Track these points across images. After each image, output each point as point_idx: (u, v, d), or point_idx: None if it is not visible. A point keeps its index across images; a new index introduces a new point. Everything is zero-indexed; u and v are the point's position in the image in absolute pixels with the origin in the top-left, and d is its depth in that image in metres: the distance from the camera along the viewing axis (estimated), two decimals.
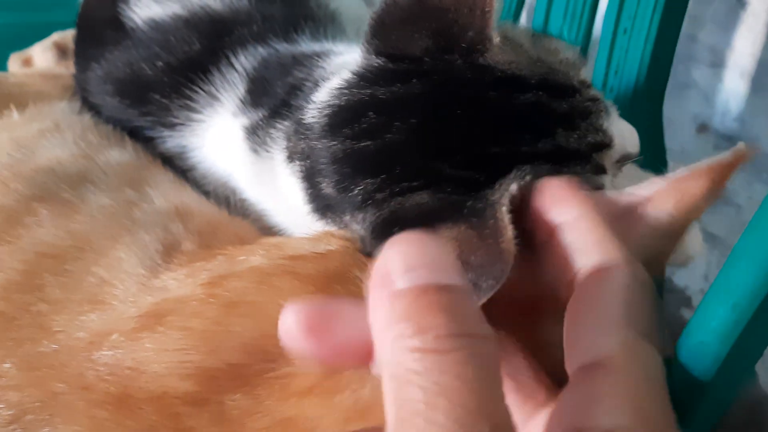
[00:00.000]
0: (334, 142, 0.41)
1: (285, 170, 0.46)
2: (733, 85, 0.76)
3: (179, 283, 0.41)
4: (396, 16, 0.42)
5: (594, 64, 0.59)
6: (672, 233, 0.32)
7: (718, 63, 0.77)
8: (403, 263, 0.21)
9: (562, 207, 0.29)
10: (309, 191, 0.43)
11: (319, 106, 0.43)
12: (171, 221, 0.47)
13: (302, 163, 0.44)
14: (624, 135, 0.44)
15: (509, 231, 0.30)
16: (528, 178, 0.32)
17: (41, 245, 0.44)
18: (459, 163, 0.38)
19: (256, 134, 0.48)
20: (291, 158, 0.45)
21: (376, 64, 0.42)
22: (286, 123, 0.46)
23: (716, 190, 0.32)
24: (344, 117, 0.41)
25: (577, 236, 0.28)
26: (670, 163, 0.87)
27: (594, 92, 0.43)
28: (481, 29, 0.40)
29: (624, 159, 0.45)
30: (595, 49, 0.60)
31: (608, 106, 0.44)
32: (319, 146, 0.42)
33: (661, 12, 0.53)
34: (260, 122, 0.48)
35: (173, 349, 0.37)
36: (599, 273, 0.26)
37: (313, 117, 0.43)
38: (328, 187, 0.42)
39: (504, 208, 0.30)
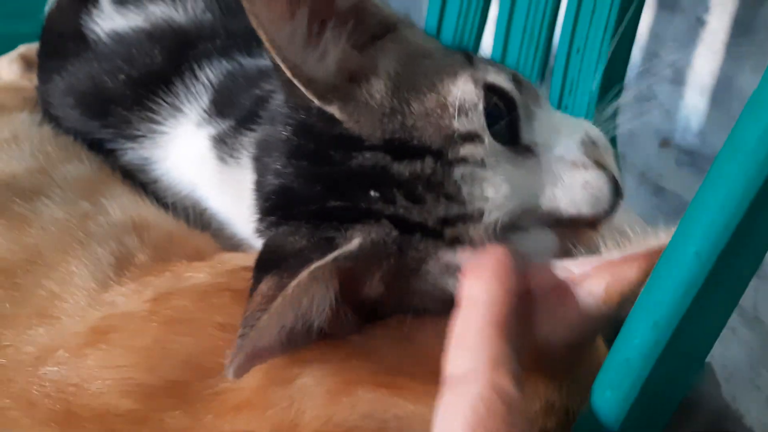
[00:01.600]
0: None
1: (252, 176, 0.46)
2: (694, 102, 0.77)
3: (127, 298, 0.41)
4: None
5: (551, 82, 0.60)
6: (600, 314, 0.32)
7: (678, 80, 0.78)
8: None
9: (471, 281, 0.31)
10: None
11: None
12: (126, 234, 0.47)
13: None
14: (557, 197, 0.37)
15: (289, 292, 0.32)
16: (352, 249, 0.33)
17: None
18: (316, 212, 0.37)
19: (224, 143, 0.48)
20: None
21: None
22: (255, 132, 0.46)
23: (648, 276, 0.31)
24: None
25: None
26: (633, 176, 0.89)
27: (470, 151, 0.36)
28: None
29: (565, 222, 0.38)
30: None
31: (497, 161, 0.36)
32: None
33: (612, 32, 0.53)
34: (228, 131, 0.48)
35: (114, 366, 0.37)
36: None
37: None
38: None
39: (305, 273, 0.32)
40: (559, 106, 0.58)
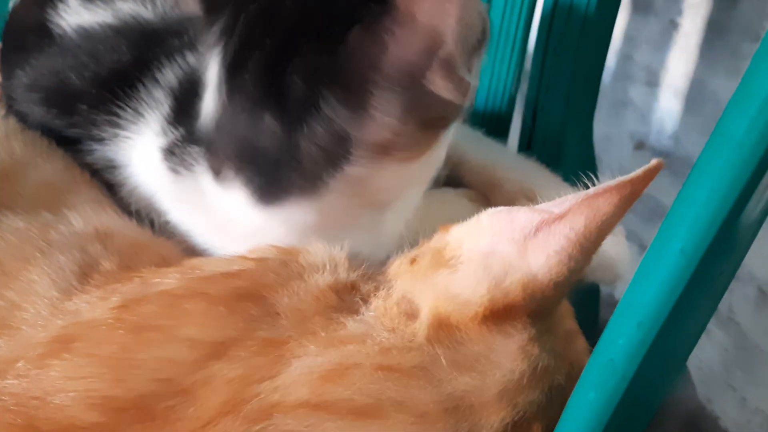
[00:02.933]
0: None
1: (215, 186, 0.45)
2: (668, 104, 0.77)
3: (91, 306, 0.39)
4: None
5: (528, 82, 0.60)
6: (585, 247, 0.33)
7: (653, 82, 0.78)
8: None
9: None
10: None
11: None
12: (90, 243, 0.45)
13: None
14: None
15: None
16: None
17: None
18: None
19: (173, 154, 0.47)
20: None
21: None
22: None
23: (627, 205, 0.33)
24: None
25: None
26: (607, 178, 0.89)
27: None
28: None
29: None
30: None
31: None
32: None
33: (589, 32, 0.53)
34: (178, 141, 0.47)
35: (79, 377, 0.35)
36: None
37: None
38: None
39: None
40: (535, 106, 0.58)
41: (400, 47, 0.38)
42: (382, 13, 0.38)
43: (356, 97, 0.40)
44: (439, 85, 0.39)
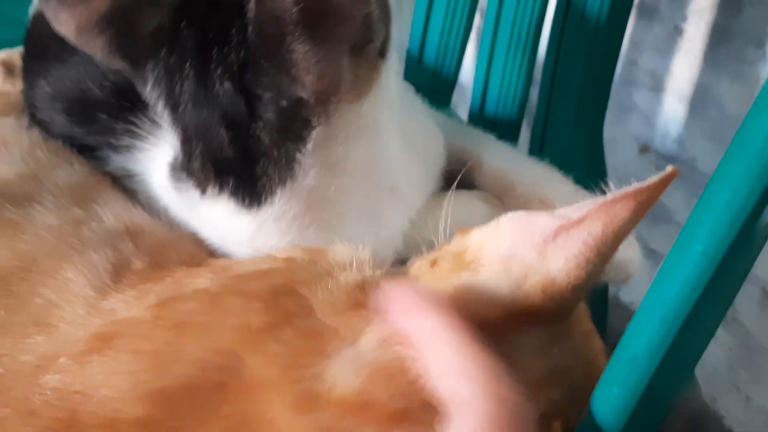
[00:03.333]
0: None
1: (205, 203, 0.47)
2: (672, 109, 0.79)
3: (127, 305, 0.41)
4: None
5: (539, 85, 0.61)
6: (602, 252, 0.34)
7: (657, 87, 0.80)
8: None
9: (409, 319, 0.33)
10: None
11: None
12: (121, 240, 0.47)
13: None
14: None
15: None
16: None
17: None
18: None
19: (175, 170, 0.48)
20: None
21: None
22: None
23: (643, 211, 0.34)
24: None
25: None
26: (613, 181, 0.90)
27: None
28: None
29: None
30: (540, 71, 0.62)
31: None
32: None
33: (600, 38, 0.55)
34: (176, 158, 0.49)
35: (123, 372, 0.36)
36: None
37: None
38: None
39: None
40: (546, 114, 0.59)
41: None
42: None
43: (281, 62, 0.41)
44: (339, 2, 0.40)
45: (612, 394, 0.31)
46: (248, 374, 0.35)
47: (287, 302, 0.38)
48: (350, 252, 0.43)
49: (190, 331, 0.37)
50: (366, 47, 0.43)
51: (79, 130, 0.55)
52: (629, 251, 0.52)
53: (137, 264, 0.45)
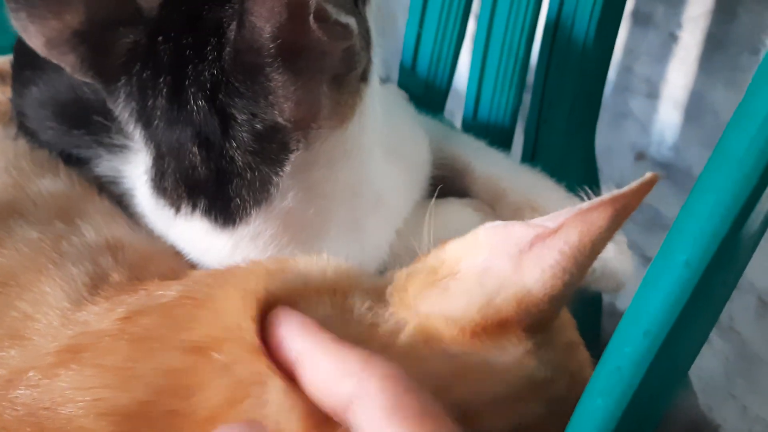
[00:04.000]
0: None
1: (179, 221, 0.46)
2: (668, 116, 0.78)
3: (99, 317, 0.40)
4: None
5: (530, 97, 0.60)
6: (579, 261, 0.33)
7: (653, 94, 0.79)
8: None
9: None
10: None
11: None
12: (101, 254, 0.46)
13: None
14: None
15: None
16: None
17: None
18: None
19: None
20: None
21: None
22: None
23: (622, 218, 0.33)
24: None
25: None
26: (609, 189, 0.89)
27: None
28: None
29: None
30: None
31: None
32: None
33: (591, 47, 0.54)
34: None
35: (87, 387, 0.35)
36: None
37: None
38: None
39: None
40: (538, 121, 0.59)
41: (267, 20, 0.37)
42: (242, 2, 0.38)
43: (258, 88, 0.40)
44: (317, 36, 0.38)
45: (596, 406, 0.31)
46: (196, 403, 0.33)
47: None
48: (322, 261, 0.42)
49: (147, 347, 0.36)
50: (350, 78, 0.43)
51: (70, 135, 0.55)
52: (622, 260, 0.51)
53: (115, 277, 0.44)
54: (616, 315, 0.92)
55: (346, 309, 0.37)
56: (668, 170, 0.78)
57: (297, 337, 0.33)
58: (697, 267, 0.27)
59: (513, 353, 0.35)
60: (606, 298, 0.78)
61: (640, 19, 0.79)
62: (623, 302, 0.92)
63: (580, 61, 0.55)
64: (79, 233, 0.47)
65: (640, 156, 0.83)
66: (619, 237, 0.51)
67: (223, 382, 0.33)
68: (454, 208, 0.55)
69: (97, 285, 0.43)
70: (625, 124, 0.83)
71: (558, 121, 0.57)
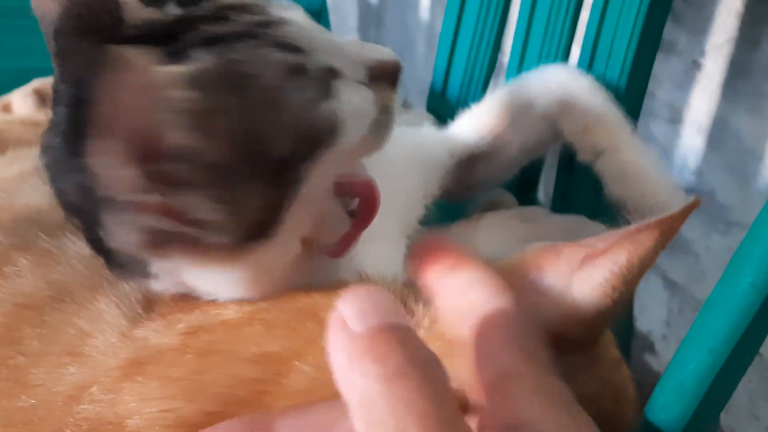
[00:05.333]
0: None
1: None
2: (691, 141, 0.79)
3: (158, 333, 0.41)
4: None
5: None
6: (628, 280, 0.34)
7: (675, 119, 0.81)
8: (357, 311, 0.25)
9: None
10: None
11: None
12: None
13: None
14: None
15: None
16: None
17: (20, 296, 0.43)
18: None
19: None
20: None
21: None
22: None
23: (667, 240, 0.34)
24: None
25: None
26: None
27: None
28: None
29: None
30: None
31: None
32: None
33: (628, 71, 0.56)
34: None
35: (152, 398, 0.36)
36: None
37: None
38: None
39: None
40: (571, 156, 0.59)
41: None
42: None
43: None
44: None
45: (658, 421, 0.31)
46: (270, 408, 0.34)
47: (310, 326, 0.38)
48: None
49: (211, 361, 0.37)
50: None
51: None
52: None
53: (168, 295, 0.45)
54: (638, 336, 0.93)
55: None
56: (691, 194, 0.79)
57: None
58: (762, 288, 0.28)
59: (562, 368, 0.35)
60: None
61: (664, 46, 0.80)
62: (643, 324, 0.93)
63: (617, 81, 0.56)
64: None
65: None
66: None
67: (301, 385, 0.34)
68: (500, 221, 0.56)
69: (151, 303, 0.44)
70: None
71: None
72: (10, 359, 0.40)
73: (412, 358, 0.24)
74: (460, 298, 0.31)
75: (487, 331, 0.29)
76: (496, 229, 0.55)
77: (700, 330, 0.30)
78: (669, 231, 0.34)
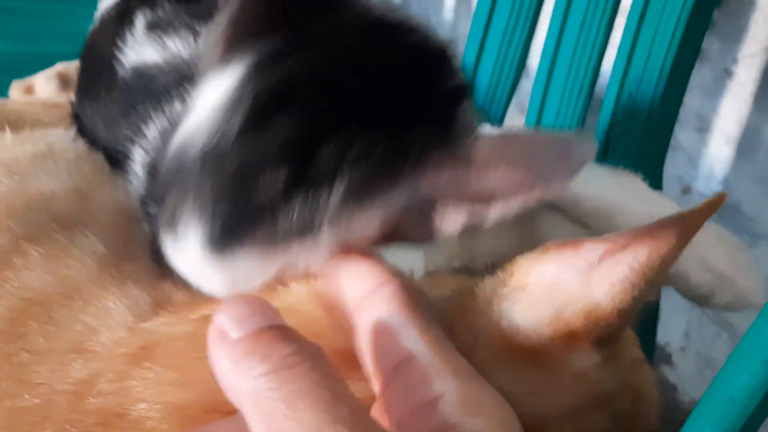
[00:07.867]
0: None
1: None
2: (718, 150, 0.78)
3: (168, 326, 0.40)
4: None
5: (597, 123, 0.60)
6: (648, 277, 0.34)
7: (703, 128, 0.79)
8: (234, 320, 0.26)
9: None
10: None
11: None
12: (161, 280, 0.45)
13: None
14: None
15: None
16: None
17: (29, 291, 0.42)
18: None
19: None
20: None
21: None
22: None
23: (689, 237, 0.34)
24: None
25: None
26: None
27: None
28: None
29: None
30: (598, 108, 0.61)
31: None
32: None
33: (666, 77, 0.54)
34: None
35: (162, 384, 0.35)
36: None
37: None
38: None
39: None
40: (606, 147, 0.58)
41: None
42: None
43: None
44: None
45: None
46: None
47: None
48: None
49: None
50: None
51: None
52: (752, 279, 0.51)
53: (178, 296, 0.44)
54: (656, 347, 0.90)
55: None
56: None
57: None
58: None
59: (580, 366, 0.35)
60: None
61: None
62: (661, 335, 0.91)
63: (654, 90, 0.54)
64: (138, 257, 0.47)
65: (687, 189, 0.82)
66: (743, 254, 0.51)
67: None
68: (551, 221, 0.54)
69: (160, 304, 0.43)
70: (673, 157, 0.83)
71: (627, 150, 0.57)
72: (13, 357, 0.39)
73: (297, 349, 0.25)
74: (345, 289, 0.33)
75: (377, 319, 0.30)
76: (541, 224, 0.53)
77: (753, 341, 0.29)
78: (692, 226, 0.33)
